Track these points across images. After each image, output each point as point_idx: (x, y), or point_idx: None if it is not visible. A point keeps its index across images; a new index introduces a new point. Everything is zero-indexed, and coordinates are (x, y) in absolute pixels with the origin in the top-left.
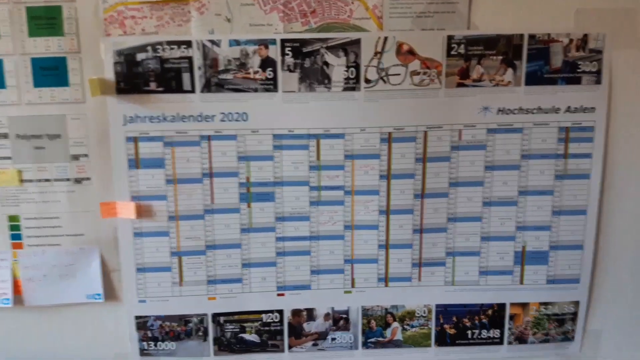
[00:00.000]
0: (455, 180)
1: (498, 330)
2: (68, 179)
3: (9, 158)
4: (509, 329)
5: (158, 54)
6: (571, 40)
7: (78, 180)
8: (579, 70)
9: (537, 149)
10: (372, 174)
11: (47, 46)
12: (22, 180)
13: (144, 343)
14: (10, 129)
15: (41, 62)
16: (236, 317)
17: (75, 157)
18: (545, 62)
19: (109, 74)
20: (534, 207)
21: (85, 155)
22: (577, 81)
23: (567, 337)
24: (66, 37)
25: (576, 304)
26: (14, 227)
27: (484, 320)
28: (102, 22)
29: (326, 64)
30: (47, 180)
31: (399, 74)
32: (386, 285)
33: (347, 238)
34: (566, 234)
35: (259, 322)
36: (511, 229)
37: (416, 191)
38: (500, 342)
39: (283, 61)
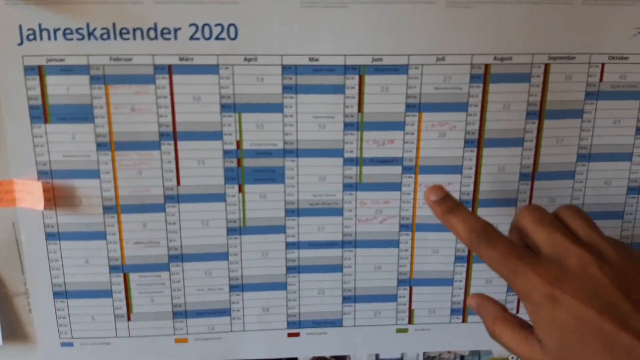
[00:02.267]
0: (586, 151)
1: None
2: None
3: None
4: None
5: None
6: None
7: None
8: None
9: None
10: (452, 137)
11: None
12: None
13: None
14: None
15: None
16: None
17: None
18: None
19: None
20: None
21: None
22: None
23: None
24: None
25: None
26: None
27: None
28: None
29: None
30: None
31: None
32: (464, 321)
33: (405, 245)
34: None
35: None
36: None
37: (524, 168)
38: None
39: None
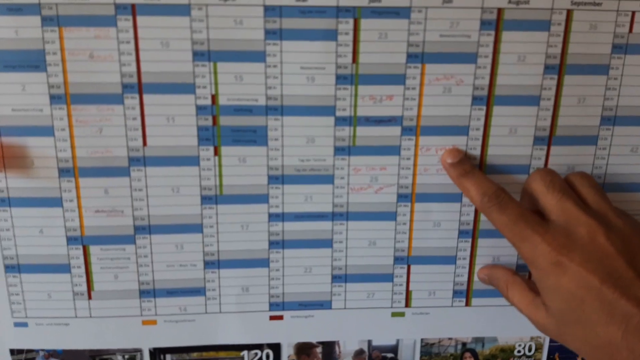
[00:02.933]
0: (612, 113)
1: None
2: None
3: None
4: None
5: None
6: None
7: None
8: None
9: None
10: (458, 92)
11: None
12: None
13: None
14: None
15: None
16: (195, 355)
17: None
18: None
19: None
20: None
21: None
22: None
23: None
24: None
25: None
26: None
27: None
28: None
29: None
30: None
31: None
32: (467, 304)
33: (403, 217)
34: None
35: None
36: None
37: (540, 130)
38: None
39: None
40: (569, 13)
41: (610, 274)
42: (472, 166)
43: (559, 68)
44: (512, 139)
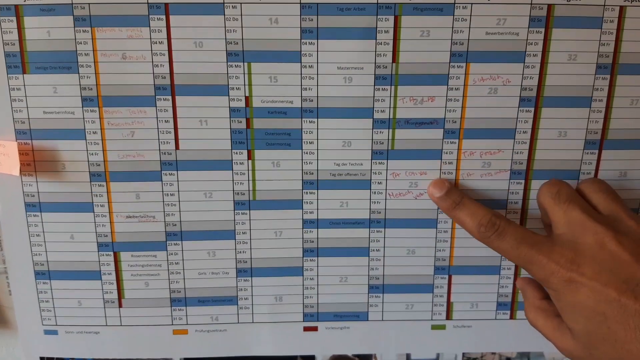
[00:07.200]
0: None
1: None
2: None
3: None
4: None
5: None
6: None
7: None
8: None
9: None
10: (505, 93)
11: None
12: None
13: None
14: None
15: None
16: None
17: None
18: None
19: None
20: None
21: None
22: None
23: None
24: None
25: None
26: None
27: None
28: None
29: None
30: None
31: None
32: (512, 317)
33: (444, 225)
34: None
35: None
36: None
37: (591, 133)
38: None
39: None
40: (622, 9)
41: (627, 282)
42: (461, 195)
43: (612, 68)
44: (561, 142)
